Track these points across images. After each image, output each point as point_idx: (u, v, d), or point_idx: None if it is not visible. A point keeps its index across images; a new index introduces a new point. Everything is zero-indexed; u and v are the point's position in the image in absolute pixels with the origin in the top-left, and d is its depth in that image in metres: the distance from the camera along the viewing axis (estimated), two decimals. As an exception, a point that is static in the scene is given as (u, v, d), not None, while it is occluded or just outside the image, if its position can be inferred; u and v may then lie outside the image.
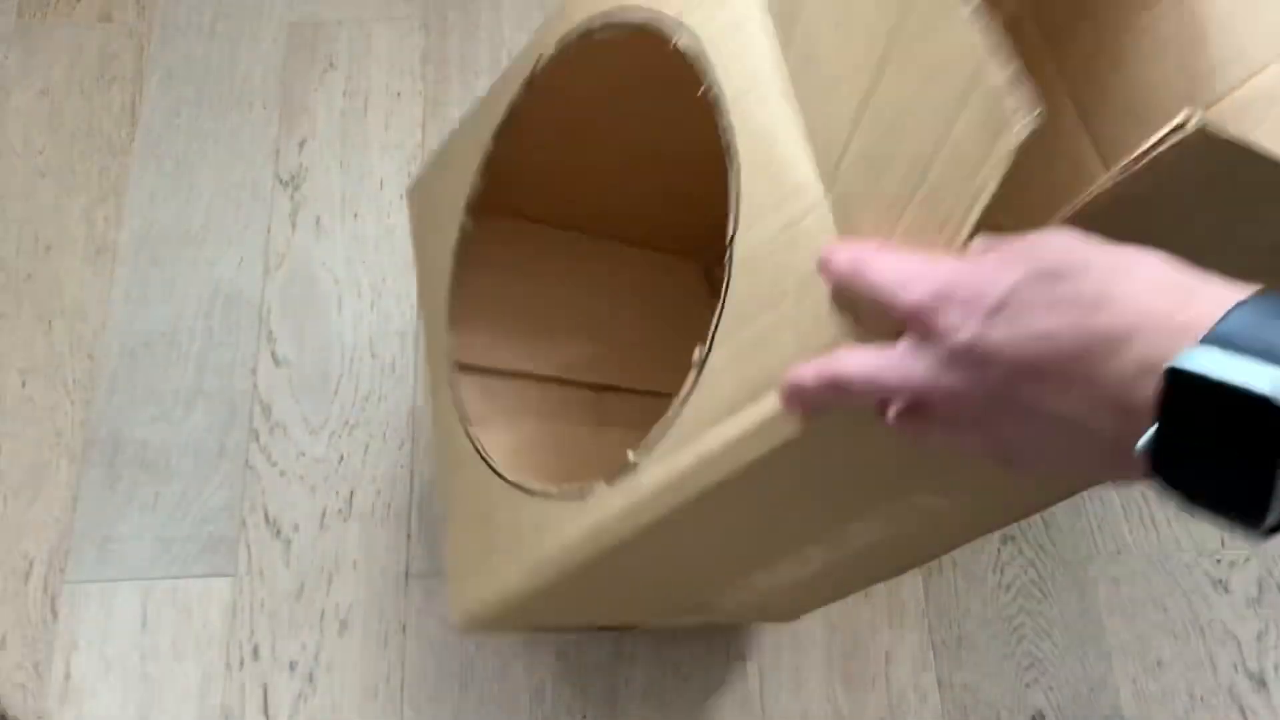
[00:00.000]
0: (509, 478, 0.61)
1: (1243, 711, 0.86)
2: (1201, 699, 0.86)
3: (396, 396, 0.95)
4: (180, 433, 0.93)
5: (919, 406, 0.37)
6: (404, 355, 0.96)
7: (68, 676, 0.85)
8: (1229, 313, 0.29)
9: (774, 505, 0.54)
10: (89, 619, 0.87)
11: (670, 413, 0.50)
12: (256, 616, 0.87)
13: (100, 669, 0.86)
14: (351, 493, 0.91)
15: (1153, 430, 0.30)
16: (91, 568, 0.89)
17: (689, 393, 0.49)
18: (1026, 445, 0.35)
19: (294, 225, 1.02)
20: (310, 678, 0.85)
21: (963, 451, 0.37)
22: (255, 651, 0.86)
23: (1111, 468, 0.33)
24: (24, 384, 0.95)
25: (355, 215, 1.02)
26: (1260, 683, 0.87)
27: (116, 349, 0.97)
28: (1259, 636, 0.89)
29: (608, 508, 0.53)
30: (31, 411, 0.94)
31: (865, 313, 0.40)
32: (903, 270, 0.37)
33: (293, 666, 0.86)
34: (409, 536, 0.90)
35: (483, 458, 0.63)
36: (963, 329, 0.34)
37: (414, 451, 0.93)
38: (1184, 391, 0.29)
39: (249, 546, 0.89)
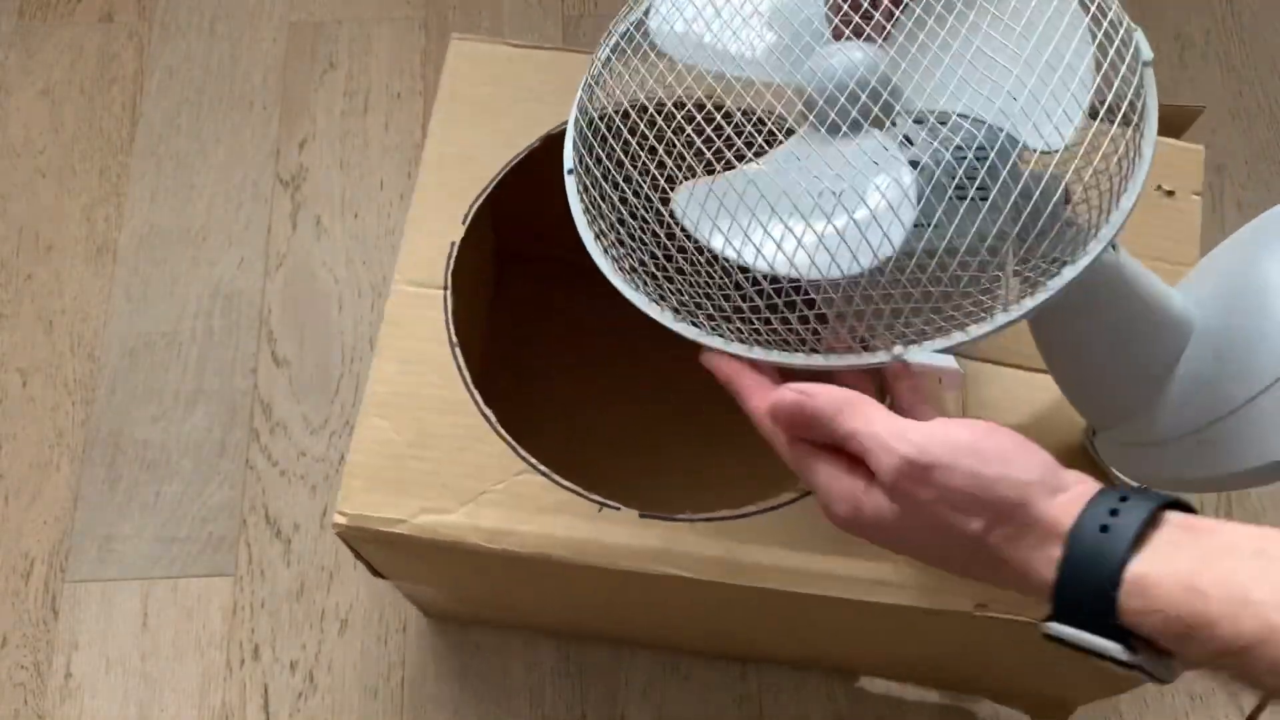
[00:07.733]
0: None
1: (1242, 712, 0.86)
2: (1201, 699, 0.86)
3: (396, 396, 0.95)
4: (180, 432, 0.93)
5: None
6: (404, 355, 0.96)
7: (68, 676, 0.85)
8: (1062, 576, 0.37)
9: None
10: (89, 619, 0.87)
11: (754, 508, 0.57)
12: (257, 616, 0.87)
13: (100, 669, 0.86)
14: (351, 493, 0.91)
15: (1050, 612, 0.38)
16: (91, 567, 0.89)
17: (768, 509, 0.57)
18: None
19: (294, 225, 1.02)
20: (310, 678, 0.85)
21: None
22: (255, 651, 0.86)
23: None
24: (24, 384, 0.95)
25: (355, 215, 1.02)
26: (1260, 683, 0.87)
27: (117, 349, 0.97)
28: (1259, 636, 0.89)
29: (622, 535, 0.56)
30: (32, 411, 0.94)
31: None
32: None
33: (293, 666, 0.86)
34: (409, 536, 0.90)
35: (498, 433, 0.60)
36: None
37: (414, 451, 0.93)
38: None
39: (249, 546, 0.89)
